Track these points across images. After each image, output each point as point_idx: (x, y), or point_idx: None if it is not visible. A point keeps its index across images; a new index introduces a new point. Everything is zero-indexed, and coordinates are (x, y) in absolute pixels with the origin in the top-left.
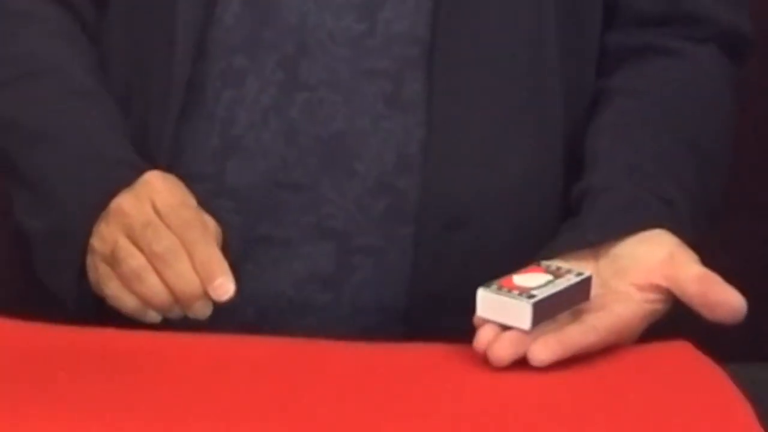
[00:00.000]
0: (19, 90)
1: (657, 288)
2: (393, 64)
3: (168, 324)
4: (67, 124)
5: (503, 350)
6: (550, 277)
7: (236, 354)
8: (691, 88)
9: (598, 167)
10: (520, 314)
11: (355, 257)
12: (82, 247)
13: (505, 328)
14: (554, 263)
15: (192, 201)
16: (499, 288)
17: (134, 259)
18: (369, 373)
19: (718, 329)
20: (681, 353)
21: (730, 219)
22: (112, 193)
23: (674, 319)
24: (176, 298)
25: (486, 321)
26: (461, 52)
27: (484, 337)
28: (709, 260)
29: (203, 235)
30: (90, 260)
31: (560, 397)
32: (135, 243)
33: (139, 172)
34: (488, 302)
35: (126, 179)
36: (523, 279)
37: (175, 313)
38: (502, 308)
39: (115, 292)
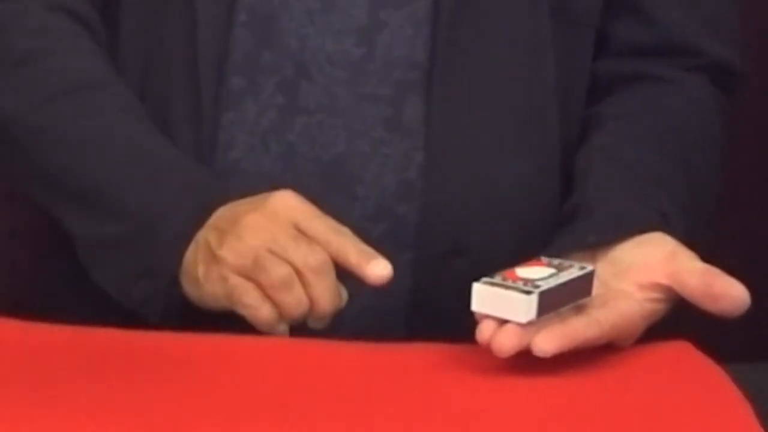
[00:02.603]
0: (71, 103)
1: (659, 287)
2: (392, 89)
3: (167, 325)
4: (126, 136)
5: (507, 341)
6: (553, 270)
7: (236, 354)
8: (681, 111)
9: (591, 183)
10: (524, 306)
11: (354, 282)
12: (179, 256)
13: (502, 322)
14: (556, 258)
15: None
16: (504, 279)
17: (284, 269)
18: (369, 373)
19: (718, 329)
20: (681, 353)
21: (730, 219)
22: (209, 206)
23: (674, 319)
24: (315, 310)
25: (483, 316)
26: (460, 77)
27: (486, 329)
28: (709, 260)
29: (350, 235)
30: (214, 271)
31: (560, 397)
32: (281, 255)
33: (225, 187)
34: (485, 295)
35: (221, 193)
36: (526, 272)
37: (285, 328)
38: (501, 301)
39: (255, 302)
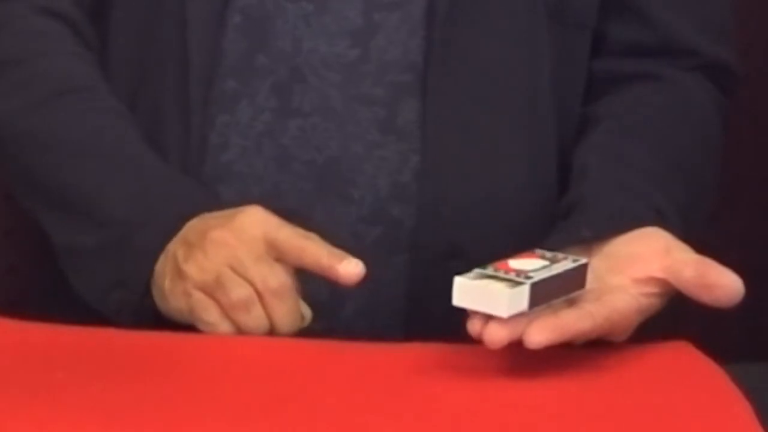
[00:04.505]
0: (55, 108)
1: (654, 281)
2: (387, 91)
3: (166, 325)
4: (112, 142)
5: (497, 333)
6: (546, 262)
7: (236, 354)
8: (677, 108)
9: (587, 181)
10: (506, 299)
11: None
12: (151, 267)
13: (488, 318)
14: (549, 251)
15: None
16: (495, 270)
17: (244, 289)
18: (369, 373)
19: (718, 329)
20: (681, 353)
21: (730, 219)
22: (185, 218)
23: (674, 319)
24: (275, 331)
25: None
26: (455, 78)
27: (477, 321)
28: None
29: (319, 240)
30: (179, 285)
31: (560, 397)
32: (242, 275)
33: (207, 196)
34: (467, 290)
35: (199, 204)
36: (519, 263)
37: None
38: (483, 295)
39: (215, 320)
